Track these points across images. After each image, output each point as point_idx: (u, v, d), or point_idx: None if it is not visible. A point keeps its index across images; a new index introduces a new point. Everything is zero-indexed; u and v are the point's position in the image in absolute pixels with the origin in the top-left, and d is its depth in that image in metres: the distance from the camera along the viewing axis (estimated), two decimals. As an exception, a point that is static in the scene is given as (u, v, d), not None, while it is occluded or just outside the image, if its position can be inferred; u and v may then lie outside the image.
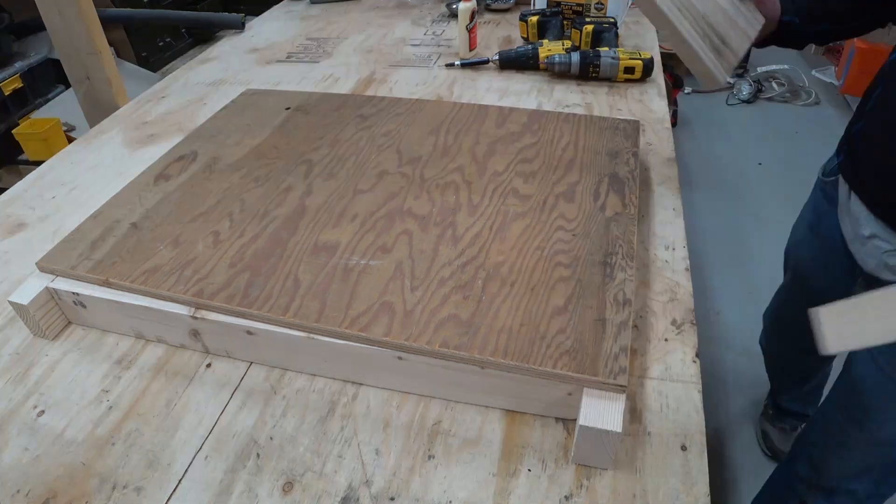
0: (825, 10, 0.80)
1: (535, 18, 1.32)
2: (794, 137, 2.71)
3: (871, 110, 0.74)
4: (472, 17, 1.28)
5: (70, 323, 0.70)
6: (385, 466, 0.54)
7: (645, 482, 0.52)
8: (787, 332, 1.21)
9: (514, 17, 1.53)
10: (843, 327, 0.42)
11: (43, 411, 0.60)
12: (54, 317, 0.68)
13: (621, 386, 0.52)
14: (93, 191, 0.93)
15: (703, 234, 2.15)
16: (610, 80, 1.18)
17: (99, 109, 1.42)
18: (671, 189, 0.87)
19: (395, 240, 0.68)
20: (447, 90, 1.19)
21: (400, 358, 0.57)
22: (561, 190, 0.76)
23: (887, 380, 0.76)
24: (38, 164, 1.03)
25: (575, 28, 1.27)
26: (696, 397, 0.58)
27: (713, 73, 0.72)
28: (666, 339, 0.64)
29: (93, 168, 1.00)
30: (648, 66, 1.16)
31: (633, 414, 0.57)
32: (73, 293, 0.66)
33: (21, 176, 1.14)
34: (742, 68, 3.18)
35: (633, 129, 0.88)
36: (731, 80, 3.10)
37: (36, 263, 0.69)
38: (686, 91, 3.05)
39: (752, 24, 0.74)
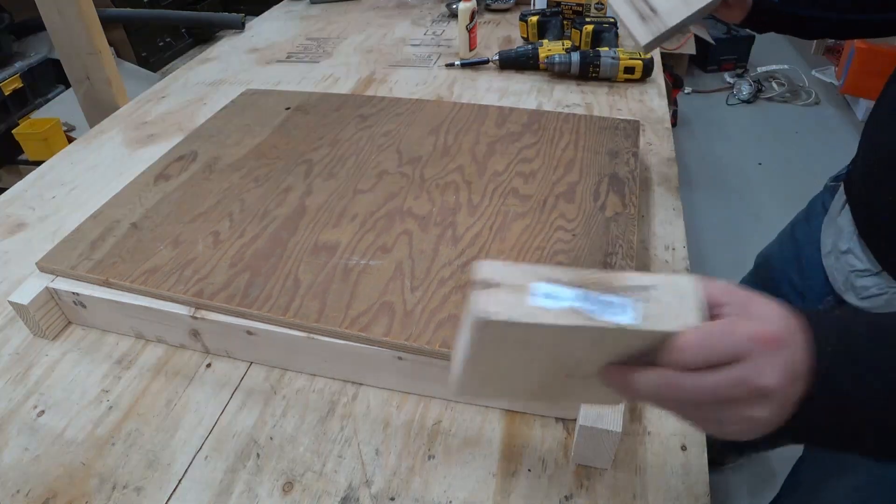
0: None
1: (535, 18, 1.32)
2: (794, 137, 2.71)
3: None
4: (472, 17, 1.28)
5: (70, 323, 0.70)
6: (385, 466, 0.54)
7: (645, 482, 0.52)
8: None
9: (514, 17, 1.53)
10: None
11: (43, 411, 0.61)
12: (54, 317, 0.68)
13: (621, 386, 0.52)
14: (93, 191, 0.93)
15: (703, 234, 2.15)
16: (610, 80, 1.18)
17: (99, 109, 1.41)
18: (671, 189, 0.87)
19: (395, 240, 0.68)
20: (447, 90, 1.19)
21: (400, 358, 0.57)
22: (561, 190, 0.76)
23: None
24: (38, 164, 1.03)
25: (575, 28, 1.27)
26: (696, 397, 0.58)
27: (632, 35, 0.77)
28: (666, 339, 0.64)
29: (93, 168, 1.00)
30: (648, 66, 1.16)
31: (633, 414, 0.57)
32: (73, 293, 0.66)
33: (21, 176, 1.14)
34: (743, 68, 3.19)
35: (633, 129, 0.88)
36: (731, 81, 3.11)
37: (36, 263, 0.69)
38: (686, 91, 3.05)
39: None
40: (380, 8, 1.69)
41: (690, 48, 2.74)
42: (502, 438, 0.56)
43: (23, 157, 2.00)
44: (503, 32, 1.47)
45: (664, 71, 1.30)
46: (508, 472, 0.53)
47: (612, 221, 0.70)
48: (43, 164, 1.02)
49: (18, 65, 2.04)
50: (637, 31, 0.77)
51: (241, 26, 1.61)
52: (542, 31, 1.33)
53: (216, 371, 0.64)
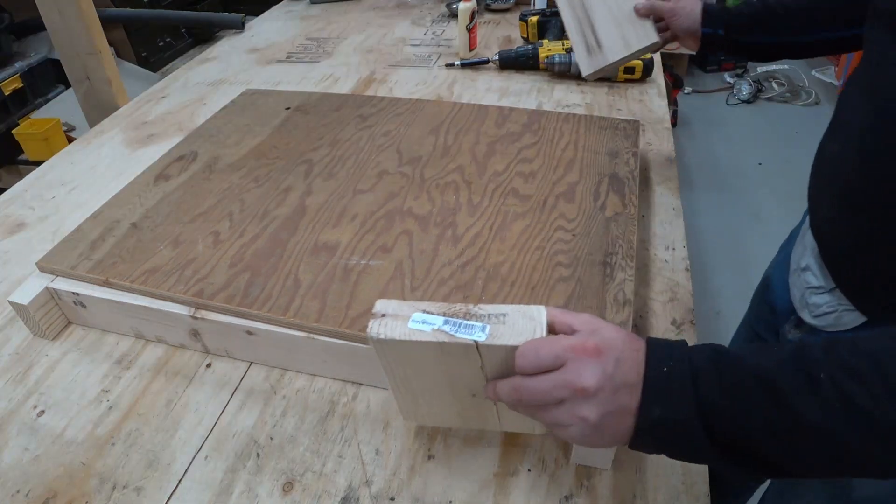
0: (753, 21, 0.76)
1: (535, 18, 1.32)
2: (794, 137, 2.71)
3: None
4: (472, 17, 1.28)
5: (70, 323, 0.70)
6: (385, 466, 0.54)
7: (645, 482, 0.52)
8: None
9: (514, 17, 1.53)
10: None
11: (43, 411, 0.61)
12: (54, 317, 0.68)
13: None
14: (93, 191, 0.93)
15: (703, 234, 2.15)
16: (610, 80, 1.18)
17: (99, 109, 1.42)
18: (671, 189, 0.87)
19: (395, 240, 0.68)
20: (447, 90, 1.19)
21: (400, 358, 0.57)
22: (561, 190, 0.76)
23: None
24: (38, 164, 1.03)
25: (575, 28, 1.27)
26: (696, 397, 0.58)
27: (579, 63, 0.84)
28: (666, 339, 0.64)
29: (93, 168, 1.00)
30: (648, 66, 1.16)
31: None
32: (73, 293, 0.66)
33: (21, 176, 1.14)
34: (743, 68, 3.19)
35: (633, 129, 0.88)
36: (731, 80, 3.11)
37: (36, 263, 0.69)
38: (686, 91, 3.05)
39: (641, 40, 0.80)
40: (380, 8, 1.69)
41: (690, 48, 2.74)
42: (502, 438, 0.56)
43: (23, 157, 2.00)
44: (503, 32, 1.47)
45: (664, 71, 1.30)
46: (508, 472, 0.53)
47: (612, 221, 0.70)
48: (43, 164, 1.02)
49: (18, 65, 2.04)
50: (582, 61, 0.83)
51: (241, 26, 1.62)
52: (542, 31, 1.33)
53: (216, 371, 0.64)
